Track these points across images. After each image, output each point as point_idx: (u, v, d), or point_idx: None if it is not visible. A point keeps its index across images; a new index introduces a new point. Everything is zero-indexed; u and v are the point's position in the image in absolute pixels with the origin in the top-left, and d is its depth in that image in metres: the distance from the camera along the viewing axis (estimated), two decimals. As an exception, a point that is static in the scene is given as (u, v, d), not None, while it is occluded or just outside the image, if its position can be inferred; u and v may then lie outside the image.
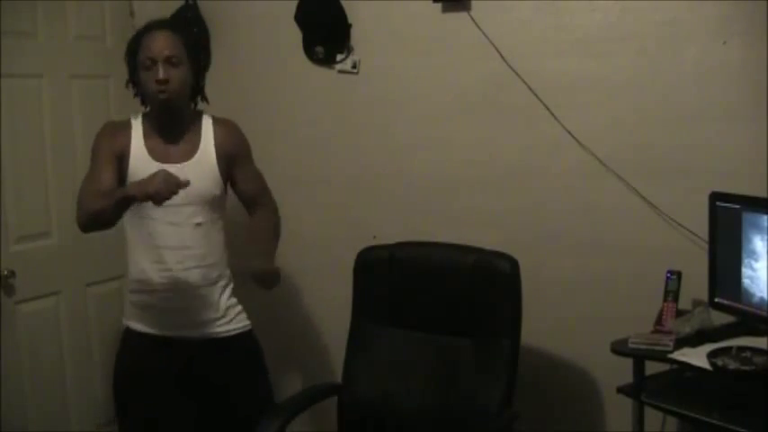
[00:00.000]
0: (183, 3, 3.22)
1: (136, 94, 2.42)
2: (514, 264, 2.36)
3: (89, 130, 3.04)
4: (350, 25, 2.95)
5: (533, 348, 2.68)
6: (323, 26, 2.99)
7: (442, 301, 2.46)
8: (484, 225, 2.76)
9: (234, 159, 2.45)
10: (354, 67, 2.97)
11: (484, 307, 2.38)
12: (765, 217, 2.14)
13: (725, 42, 2.38)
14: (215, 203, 2.41)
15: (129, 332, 2.45)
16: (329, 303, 3.08)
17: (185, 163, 2.35)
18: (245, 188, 2.50)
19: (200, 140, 2.40)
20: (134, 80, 2.38)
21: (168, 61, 2.28)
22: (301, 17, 3.02)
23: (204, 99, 2.52)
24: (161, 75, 2.27)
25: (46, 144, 2.94)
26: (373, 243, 2.69)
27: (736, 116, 2.39)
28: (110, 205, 2.17)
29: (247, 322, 2.50)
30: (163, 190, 2.05)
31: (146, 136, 2.37)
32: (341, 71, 3.00)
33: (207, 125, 2.43)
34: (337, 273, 2.79)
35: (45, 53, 2.93)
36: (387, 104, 2.94)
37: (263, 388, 2.51)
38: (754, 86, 2.34)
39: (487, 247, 2.45)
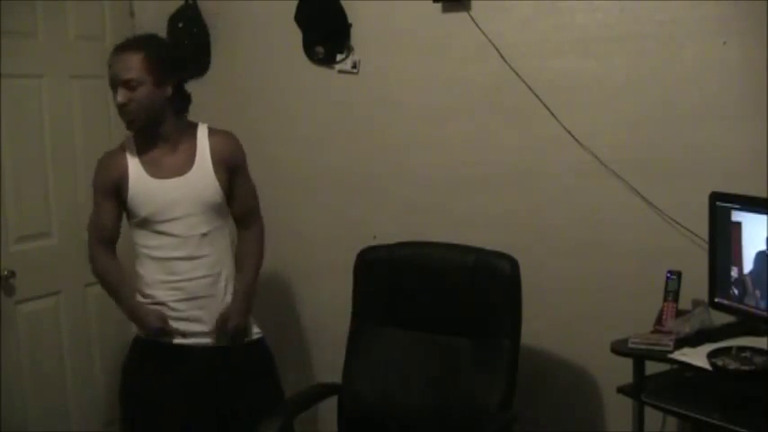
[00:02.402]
0: (182, 3, 3.22)
1: None
2: (514, 264, 2.36)
3: (89, 130, 3.08)
4: (350, 25, 2.95)
5: (533, 348, 2.68)
6: (323, 26, 2.99)
7: (442, 301, 2.46)
8: (484, 225, 2.76)
9: (231, 171, 2.46)
10: (354, 67, 2.97)
11: (484, 307, 2.38)
12: (765, 217, 2.14)
13: (725, 42, 2.38)
14: (218, 211, 2.43)
15: (138, 341, 2.45)
16: (329, 303, 3.08)
17: (183, 176, 2.37)
18: (239, 204, 2.51)
19: (195, 151, 2.41)
20: None
21: (126, 85, 2.30)
22: (301, 17, 3.02)
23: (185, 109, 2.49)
24: (117, 99, 2.31)
25: (46, 144, 2.94)
26: (373, 243, 2.69)
27: (736, 116, 2.39)
28: (110, 295, 2.47)
29: (257, 330, 2.51)
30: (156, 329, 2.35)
31: (140, 155, 2.39)
32: (341, 71, 3.00)
33: (202, 135, 2.44)
34: (337, 273, 2.79)
35: (45, 53, 2.93)
36: (387, 104, 2.94)
37: (273, 396, 2.50)
38: (753, 86, 2.34)
39: (487, 247, 2.45)
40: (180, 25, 3.22)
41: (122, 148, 2.42)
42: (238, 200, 2.50)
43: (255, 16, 3.14)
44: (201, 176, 2.38)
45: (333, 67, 3.01)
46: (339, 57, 2.99)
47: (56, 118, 2.97)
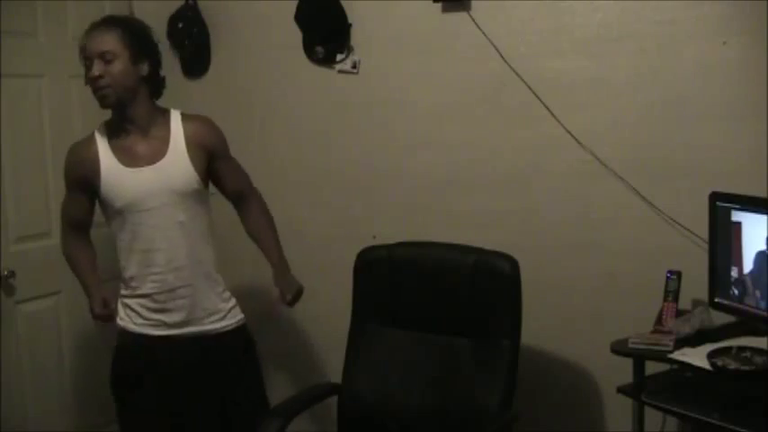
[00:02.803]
0: (182, 2, 3.22)
1: None
2: (514, 264, 2.36)
3: (89, 131, 3.07)
4: (350, 25, 2.95)
5: (533, 348, 2.68)
6: (323, 26, 2.99)
7: (441, 301, 2.46)
8: (484, 225, 2.76)
9: (212, 155, 2.42)
10: (354, 67, 2.97)
11: (484, 307, 2.38)
12: (765, 217, 2.14)
13: (725, 42, 2.38)
14: (196, 199, 2.38)
15: (124, 333, 2.43)
16: (329, 303, 3.07)
17: (156, 165, 2.32)
18: (230, 184, 2.49)
19: (169, 137, 2.35)
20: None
21: (102, 57, 2.25)
22: (301, 17, 3.02)
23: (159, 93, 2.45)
24: (93, 71, 2.25)
25: (46, 144, 2.95)
26: (373, 243, 2.69)
27: (736, 116, 2.39)
28: (75, 275, 2.53)
29: (241, 316, 2.49)
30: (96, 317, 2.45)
31: (112, 144, 2.35)
32: (341, 71, 3.00)
33: (176, 121, 2.39)
34: (337, 273, 2.79)
35: (45, 53, 2.94)
36: (387, 104, 2.94)
37: (258, 381, 2.52)
38: (754, 86, 2.34)
39: (487, 247, 2.44)
40: (180, 25, 3.22)
41: (93, 137, 2.38)
42: (228, 181, 2.48)
43: (255, 16, 3.15)
44: (175, 164, 2.33)
45: (333, 67, 3.01)
46: (339, 57, 2.99)
47: (56, 118, 2.97)
